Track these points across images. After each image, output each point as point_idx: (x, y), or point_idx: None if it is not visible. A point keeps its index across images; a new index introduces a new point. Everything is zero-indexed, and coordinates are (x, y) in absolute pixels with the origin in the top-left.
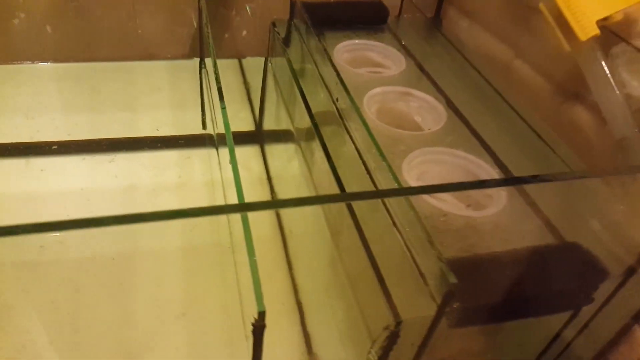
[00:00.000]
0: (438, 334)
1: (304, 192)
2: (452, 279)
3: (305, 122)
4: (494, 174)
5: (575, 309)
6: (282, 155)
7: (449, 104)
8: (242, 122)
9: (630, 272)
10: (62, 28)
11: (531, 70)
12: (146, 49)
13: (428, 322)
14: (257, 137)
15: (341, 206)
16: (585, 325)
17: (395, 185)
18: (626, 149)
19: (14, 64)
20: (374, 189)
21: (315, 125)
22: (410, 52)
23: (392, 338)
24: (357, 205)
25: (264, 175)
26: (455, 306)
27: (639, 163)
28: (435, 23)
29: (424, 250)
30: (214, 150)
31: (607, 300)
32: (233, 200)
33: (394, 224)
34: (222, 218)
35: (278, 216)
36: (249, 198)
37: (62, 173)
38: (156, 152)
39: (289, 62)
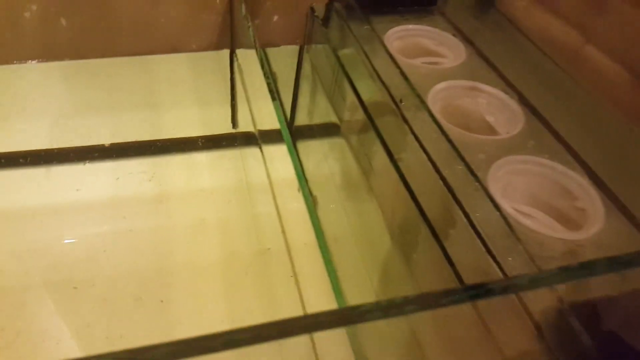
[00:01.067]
0: None
1: (357, 191)
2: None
3: (358, 120)
4: (584, 184)
5: None
6: (325, 151)
7: (522, 100)
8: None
9: None
10: (77, 20)
11: (606, 57)
12: (169, 40)
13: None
14: (293, 133)
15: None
16: None
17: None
18: None
19: (25, 62)
20: (448, 196)
21: (370, 119)
22: (468, 37)
23: None
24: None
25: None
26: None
27: None
28: (488, 2)
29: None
30: (248, 150)
31: None
32: (283, 202)
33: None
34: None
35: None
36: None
37: (86, 181)
38: (185, 155)
39: (334, 50)
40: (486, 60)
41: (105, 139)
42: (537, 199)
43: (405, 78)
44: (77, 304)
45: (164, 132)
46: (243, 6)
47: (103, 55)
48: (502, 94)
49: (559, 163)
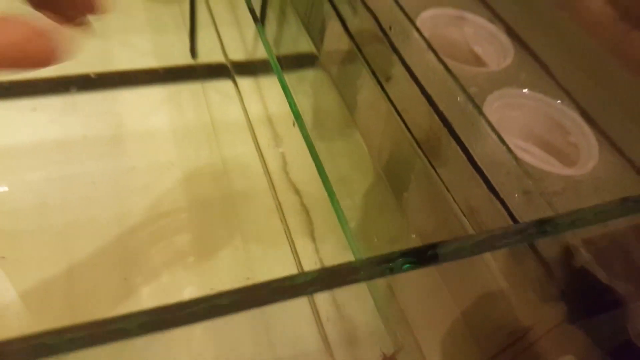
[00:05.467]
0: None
1: (342, 126)
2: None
3: (340, 43)
4: (577, 119)
5: None
6: (302, 84)
7: (510, 32)
8: (237, 48)
9: None
10: None
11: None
12: None
13: (551, 323)
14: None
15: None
16: None
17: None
18: None
19: None
20: (441, 126)
21: (358, 47)
22: None
23: (514, 344)
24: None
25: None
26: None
27: None
28: None
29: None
30: (212, 83)
31: None
32: (263, 137)
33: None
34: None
35: None
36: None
37: (26, 121)
38: (140, 89)
39: None
40: None
41: (46, 72)
42: (531, 133)
43: (396, 1)
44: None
45: (113, 64)
46: None
47: None
48: (489, 24)
49: (551, 98)
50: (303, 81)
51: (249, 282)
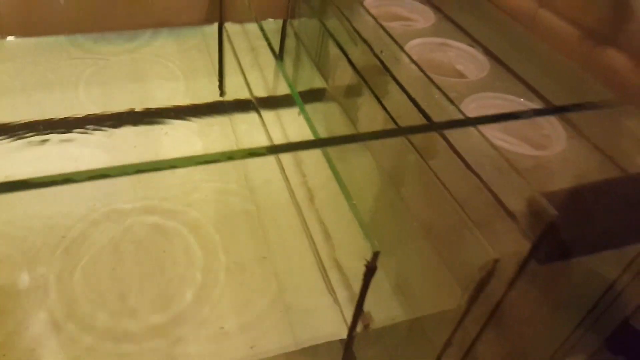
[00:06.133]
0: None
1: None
2: (552, 212)
3: (346, 78)
4: (552, 119)
5: None
6: (317, 113)
7: (487, 52)
8: (259, 87)
9: None
10: None
11: (557, 18)
12: (161, 14)
13: (520, 260)
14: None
15: (404, 150)
16: None
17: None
18: None
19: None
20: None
21: (363, 79)
22: (437, 5)
23: (487, 278)
24: (424, 151)
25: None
26: (551, 240)
27: None
28: None
29: (510, 190)
30: (239, 116)
31: None
32: (287, 163)
33: (468, 166)
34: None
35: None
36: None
37: (79, 150)
38: (175, 122)
39: (321, 19)
40: (452, 22)
41: (93, 110)
42: (507, 129)
43: (385, 31)
44: None
45: (152, 103)
46: None
47: (99, 30)
48: (469, 48)
49: (524, 99)
50: (317, 110)
51: None
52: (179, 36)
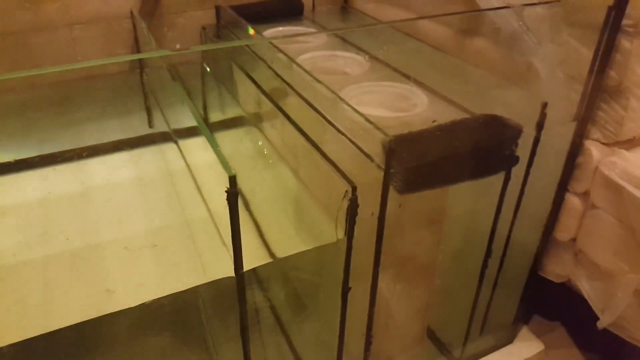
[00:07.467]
0: (392, 210)
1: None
2: (390, 137)
3: (259, 105)
4: (419, 93)
5: (506, 169)
6: (237, 138)
7: (371, 58)
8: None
9: (539, 127)
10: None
11: (434, 23)
12: (87, 70)
13: (379, 187)
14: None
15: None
16: (522, 192)
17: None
18: None
19: None
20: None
21: (276, 104)
22: (328, 29)
23: (353, 207)
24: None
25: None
26: (399, 169)
27: None
28: (345, 10)
29: (365, 136)
30: (167, 145)
31: (530, 161)
32: (204, 182)
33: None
34: None
35: None
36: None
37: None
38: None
39: (232, 56)
40: (342, 38)
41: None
42: (383, 105)
43: (281, 51)
44: None
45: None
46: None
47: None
48: (355, 55)
49: (398, 83)
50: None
51: None
52: None
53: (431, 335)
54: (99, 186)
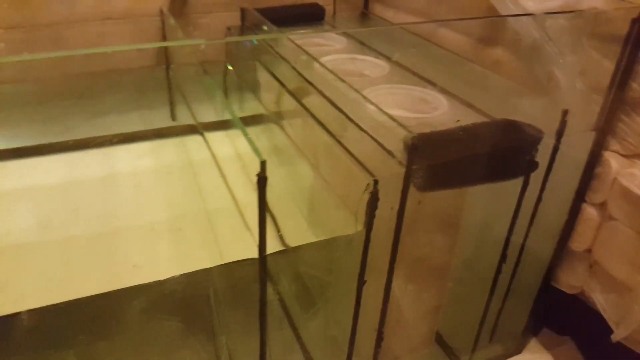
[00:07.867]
0: (411, 207)
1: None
2: (413, 134)
3: (281, 104)
4: (437, 95)
5: (525, 174)
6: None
7: (391, 62)
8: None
9: (559, 134)
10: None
11: (453, 32)
12: (113, 63)
13: (399, 183)
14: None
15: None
16: (539, 199)
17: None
18: None
19: None
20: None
21: (299, 101)
22: (349, 34)
23: (374, 199)
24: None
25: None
26: (420, 166)
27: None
28: (365, 15)
29: (386, 133)
30: (190, 137)
31: (549, 169)
32: (228, 173)
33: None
34: None
35: None
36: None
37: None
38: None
39: (256, 55)
40: (361, 43)
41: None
42: (402, 107)
43: (305, 52)
44: None
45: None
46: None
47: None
48: (374, 59)
49: (418, 87)
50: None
51: None
52: None
53: (439, 339)
54: (126, 172)
